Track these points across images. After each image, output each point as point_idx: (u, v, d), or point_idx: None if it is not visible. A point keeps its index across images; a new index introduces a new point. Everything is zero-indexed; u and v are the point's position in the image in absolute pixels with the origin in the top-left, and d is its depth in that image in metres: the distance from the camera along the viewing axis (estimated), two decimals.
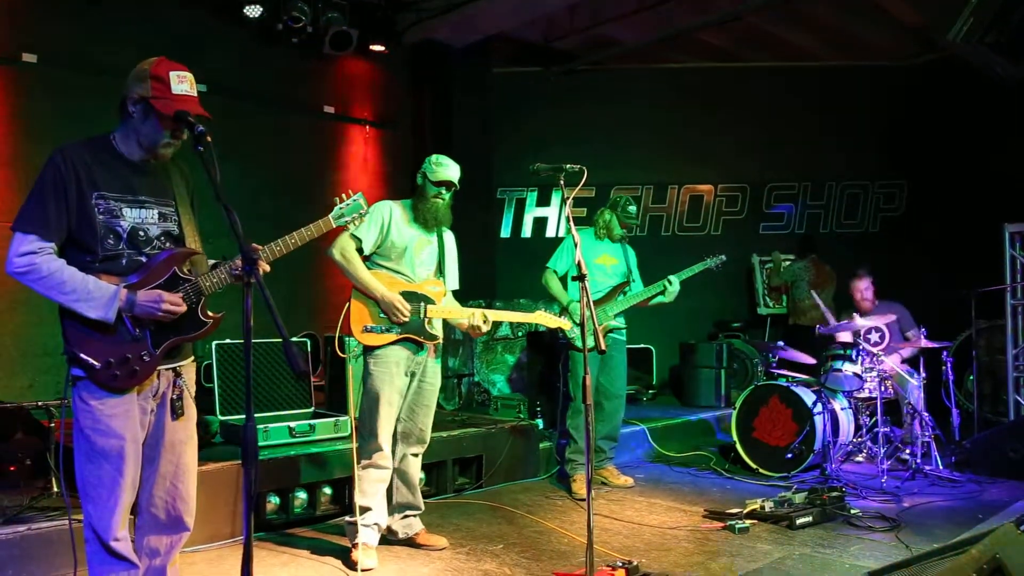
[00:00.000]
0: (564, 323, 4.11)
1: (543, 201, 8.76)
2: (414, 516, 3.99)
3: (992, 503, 4.77)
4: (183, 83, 2.49)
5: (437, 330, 3.86)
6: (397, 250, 3.81)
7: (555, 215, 8.79)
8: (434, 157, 3.95)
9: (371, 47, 7.37)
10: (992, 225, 7.01)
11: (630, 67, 8.79)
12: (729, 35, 8.49)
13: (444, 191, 3.89)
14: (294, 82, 7.07)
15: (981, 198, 7.87)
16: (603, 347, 3.01)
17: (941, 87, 8.39)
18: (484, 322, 3.78)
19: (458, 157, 8.18)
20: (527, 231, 8.76)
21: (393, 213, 3.83)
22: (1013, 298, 6.91)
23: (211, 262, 2.72)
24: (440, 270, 3.97)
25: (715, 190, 9.11)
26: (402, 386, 3.81)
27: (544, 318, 4.01)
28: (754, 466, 5.62)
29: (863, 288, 6.17)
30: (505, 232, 8.73)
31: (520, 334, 7.07)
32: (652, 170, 8.97)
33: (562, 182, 3.18)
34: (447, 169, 3.90)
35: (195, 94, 2.52)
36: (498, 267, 8.15)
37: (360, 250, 3.78)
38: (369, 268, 3.79)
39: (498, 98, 8.23)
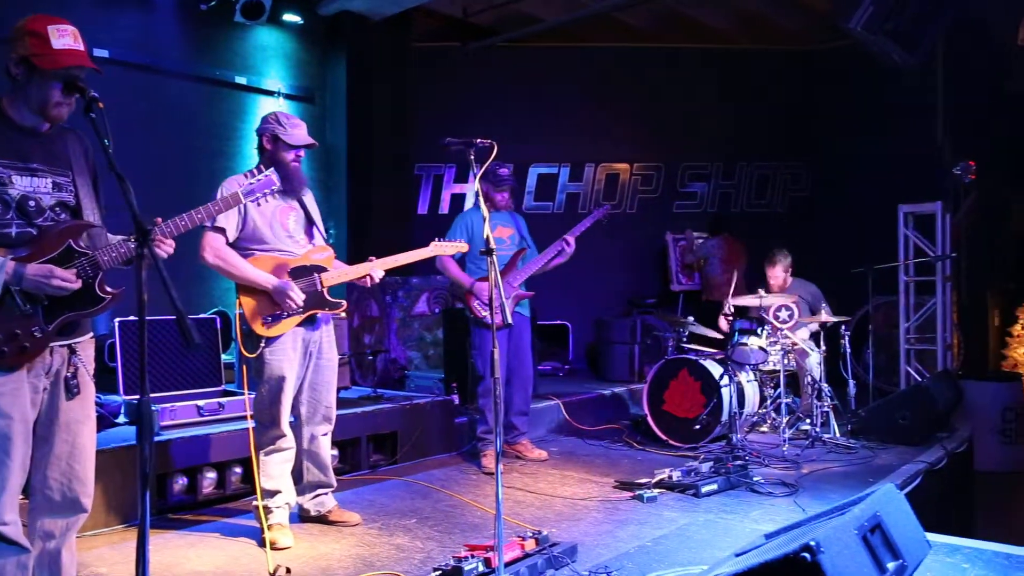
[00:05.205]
0: (462, 246, 4.08)
1: (461, 178, 8.74)
2: (326, 494, 3.96)
3: (883, 467, 5.03)
4: (64, 36, 2.38)
5: (335, 298, 3.78)
6: (262, 228, 3.62)
7: (473, 192, 8.79)
8: (280, 115, 3.67)
9: (285, 17, 7.19)
10: (890, 206, 7.35)
11: (549, 45, 8.83)
12: (646, 16, 8.61)
13: (302, 152, 3.70)
14: (203, 51, 6.83)
15: (880, 180, 8.22)
16: (510, 320, 3.06)
17: (847, 72, 8.70)
18: (378, 272, 3.76)
19: (375, 132, 8.09)
20: (445, 208, 8.73)
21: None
22: (906, 275, 7.28)
23: (116, 237, 2.63)
24: (311, 233, 3.81)
25: (631, 168, 9.26)
26: (299, 369, 3.71)
27: (440, 248, 3.99)
28: (664, 438, 5.78)
29: (774, 275, 6.39)
30: (422, 208, 8.68)
31: (437, 311, 7.06)
32: (569, 148, 9.05)
33: (472, 157, 3.18)
34: (302, 129, 3.66)
35: (80, 47, 2.41)
36: (415, 244, 8.05)
37: (227, 241, 3.56)
38: (244, 257, 3.59)
39: (416, 73, 8.14)
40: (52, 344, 2.48)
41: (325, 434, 3.90)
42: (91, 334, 2.68)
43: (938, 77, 7.99)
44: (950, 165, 7.37)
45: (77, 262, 2.46)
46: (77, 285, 2.43)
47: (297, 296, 3.56)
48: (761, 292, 5.88)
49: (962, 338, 7.78)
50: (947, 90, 8.03)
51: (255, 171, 3.21)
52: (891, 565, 2.35)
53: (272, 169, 3.09)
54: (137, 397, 4.74)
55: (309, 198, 3.88)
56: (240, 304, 3.58)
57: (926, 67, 7.16)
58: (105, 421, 4.33)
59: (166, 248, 2.56)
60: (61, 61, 2.37)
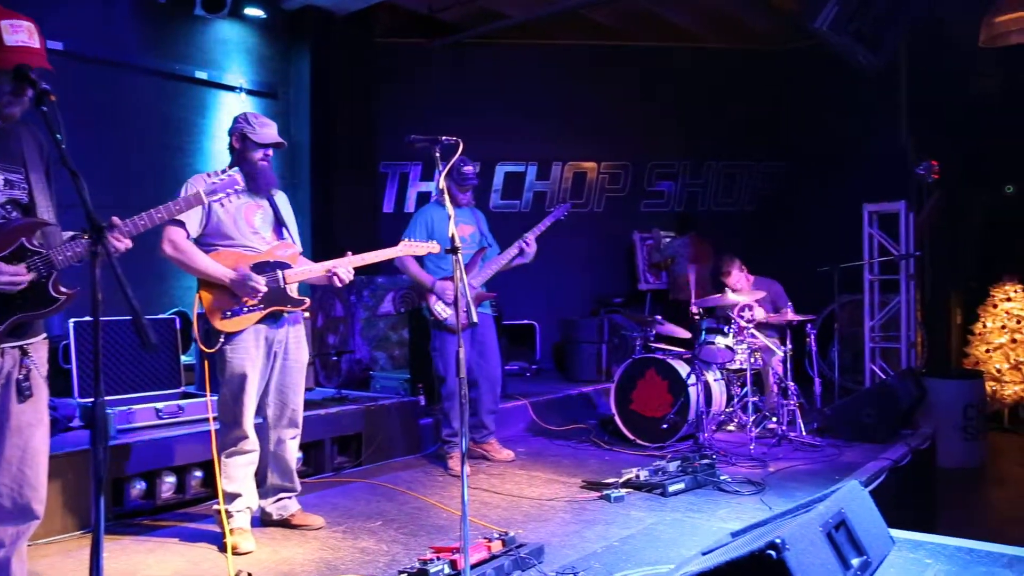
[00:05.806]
0: (433, 246, 4.00)
1: (427, 175, 8.67)
2: (289, 498, 3.89)
3: (848, 465, 5.06)
4: (18, 32, 2.29)
5: (300, 296, 3.71)
6: (226, 224, 3.57)
7: (437, 190, 8.74)
8: (250, 115, 3.68)
9: (247, 11, 7.07)
10: (855, 205, 7.43)
11: (516, 42, 8.79)
12: (615, 14, 8.62)
13: (271, 152, 3.68)
14: (162, 45, 6.68)
15: (845, 179, 8.31)
16: (475, 319, 3.01)
17: (813, 72, 8.77)
18: (346, 272, 3.68)
19: (340, 129, 7.99)
20: (410, 206, 8.66)
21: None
22: (870, 274, 7.36)
23: (67, 234, 2.55)
24: (280, 233, 3.75)
25: (599, 167, 9.26)
26: (263, 368, 3.64)
27: (411, 247, 3.93)
28: (631, 437, 5.78)
29: (732, 282, 6.42)
30: (388, 207, 8.60)
31: (403, 310, 7.00)
32: (536, 146, 9.03)
33: (437, 154, 3.13)
34: (272, 128, 3.66)
35: (36, 44, 2.32)
36: (380, 243, 7.98)
37: (188, 236, 3.50)
38: (207, 252, 3.54)
39: (382, 69, 8.07)
40: (3, 345, 2.40)
41: (293, 438, 3.83)
42: (44, 335, 2.60)
43: (902, 77, 8.10)
44: (914, 164, 7.47)
45: (30, 260, 2.39)
46: (27, 278, 2.36)
47: (259, 282, 3.49)
48: (728, 292, 5.90)
49: (926, 336, 7.90)
50: (911, 90, 8.16)
51: (221, 171, 3.18)
52: (855, 561, 2.36)
53: (236, 169, 3.08)
54: (92, 400, 4.62)
55: (281, 198, 3.84)
56: (200, 299, 3.52)
57: (890, 67, 7.24)
58: (59, 425, 4.21)
59: (121, 244, 2.48)
60: (12, 59, 2.28)
